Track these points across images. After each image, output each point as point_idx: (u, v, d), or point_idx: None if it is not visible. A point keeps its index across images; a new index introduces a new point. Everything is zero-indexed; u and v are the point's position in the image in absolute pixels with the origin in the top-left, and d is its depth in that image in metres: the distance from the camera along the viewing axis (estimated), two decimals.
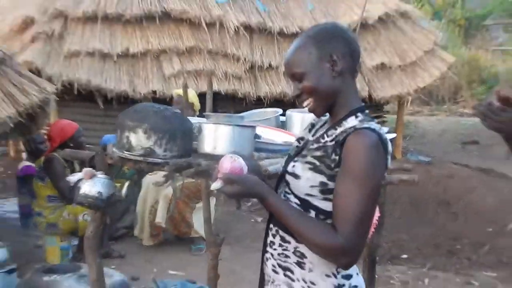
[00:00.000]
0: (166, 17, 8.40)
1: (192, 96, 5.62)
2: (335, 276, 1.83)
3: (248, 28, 8.62)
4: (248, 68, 8.46)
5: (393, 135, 3.61)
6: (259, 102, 8.07)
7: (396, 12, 9.78)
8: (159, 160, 2.79)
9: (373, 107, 9.61)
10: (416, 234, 6.82)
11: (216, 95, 8.09)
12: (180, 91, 5.26)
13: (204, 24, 8.42)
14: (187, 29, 8.45)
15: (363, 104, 1.90)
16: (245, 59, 8.42)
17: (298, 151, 1.95)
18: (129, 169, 5.67)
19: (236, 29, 8.48)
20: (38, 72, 7.15)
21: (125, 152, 2.83)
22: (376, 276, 5.35)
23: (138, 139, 2.79)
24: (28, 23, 8.00)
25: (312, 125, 2.03)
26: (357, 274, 1.90)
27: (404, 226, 7.06)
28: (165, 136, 2.79)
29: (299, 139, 2.03)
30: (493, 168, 9.06)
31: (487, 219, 7.03)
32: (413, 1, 21.83)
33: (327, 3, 9.66)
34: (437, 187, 7.82)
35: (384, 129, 3.64)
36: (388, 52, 9.42)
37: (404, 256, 6.23)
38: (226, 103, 8.30)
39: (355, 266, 1.84)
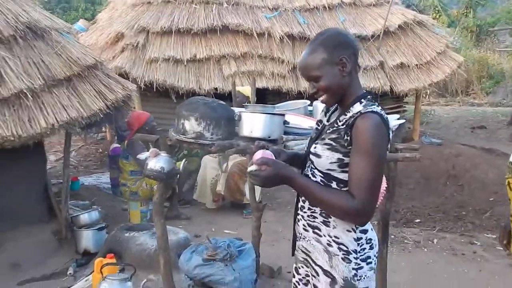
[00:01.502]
0: (225, 29, 8.36)
1: (248, 91, 5.64)
2: (354, 231, 1.85)
3: (290, 36, 8.48)
4: (290, 68, 8.31)
5: (402, 121, 3.49)
6: (300, 96, 7.96)
7: (413, 21, 9.46)
8: (207, 142, 2.82)
9: (394, 99, 9.38)
10: (427, 203, 6.64)
11: (266, 90, 8.09)
12: (240, 88, 5.34)
13: (255, 34, 8.33)
14: (242, 38, 8.39)
15: (365, 91, 1.89)
16: (288, 62, 8.29)
17: (318, 135, 1.94)
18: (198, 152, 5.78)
19: (281, 37, 8.36)
20: (126, 75, 7.30)
21: (181, 135, 2.88)
22: (393, 236, 5.26)
23: (191, 125, 2.83)
24: (119, 37, 8.14)
25: (327, 109, 2.03)
26: (371, 229, 1.91)
27: (418, 196, 6.87)
28: (212, 122, 2.82)
29: (318, 122, 2.03)
30: (496, 148, 8.67)
31: (488, 190, 6.76)
32: (432, 12, 21.09)
33: (355, 15, 9.39)
34: (447, 163, 7.54)
35: (395, 116, 3.53)
36: (407, 54, 9.10)
37: (417, 220, 6.08)
38: (274, 97, 8.19)
39: (369, 223, 1.87)
